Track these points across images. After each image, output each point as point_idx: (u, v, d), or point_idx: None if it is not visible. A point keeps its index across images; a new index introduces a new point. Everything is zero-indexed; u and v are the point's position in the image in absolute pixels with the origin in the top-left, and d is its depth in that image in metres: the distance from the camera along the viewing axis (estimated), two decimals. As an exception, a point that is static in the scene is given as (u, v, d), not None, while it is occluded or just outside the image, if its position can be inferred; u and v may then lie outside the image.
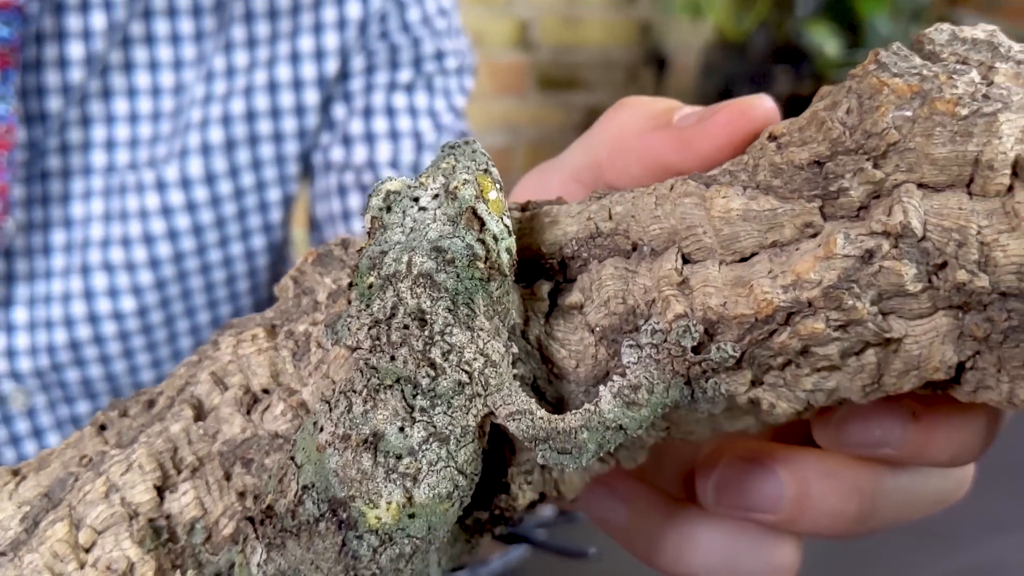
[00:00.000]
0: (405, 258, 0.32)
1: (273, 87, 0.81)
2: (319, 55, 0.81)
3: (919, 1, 2.41)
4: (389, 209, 0.33)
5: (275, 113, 0.81)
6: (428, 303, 0.31)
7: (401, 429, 0.32)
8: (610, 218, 0.35)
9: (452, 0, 0.88)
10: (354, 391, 0.32)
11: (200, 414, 0.37)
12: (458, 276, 0.32)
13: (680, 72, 2.77)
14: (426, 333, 0.32)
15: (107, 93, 0.78)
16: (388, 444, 0.32)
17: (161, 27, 0.78)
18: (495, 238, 0.32)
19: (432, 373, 0.32)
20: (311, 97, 0.81)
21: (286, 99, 0.81)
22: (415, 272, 0.31)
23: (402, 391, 0.32)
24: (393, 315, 0.32)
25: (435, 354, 0.32)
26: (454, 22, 0.88)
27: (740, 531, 0.40)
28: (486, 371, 0.32)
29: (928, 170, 0.30)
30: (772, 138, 0.34)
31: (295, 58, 0.81)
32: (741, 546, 0.40)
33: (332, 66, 0.81)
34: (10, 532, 0.36)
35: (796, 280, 0.31)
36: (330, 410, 0.33)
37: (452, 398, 0.32)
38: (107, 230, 0.79)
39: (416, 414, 0.32)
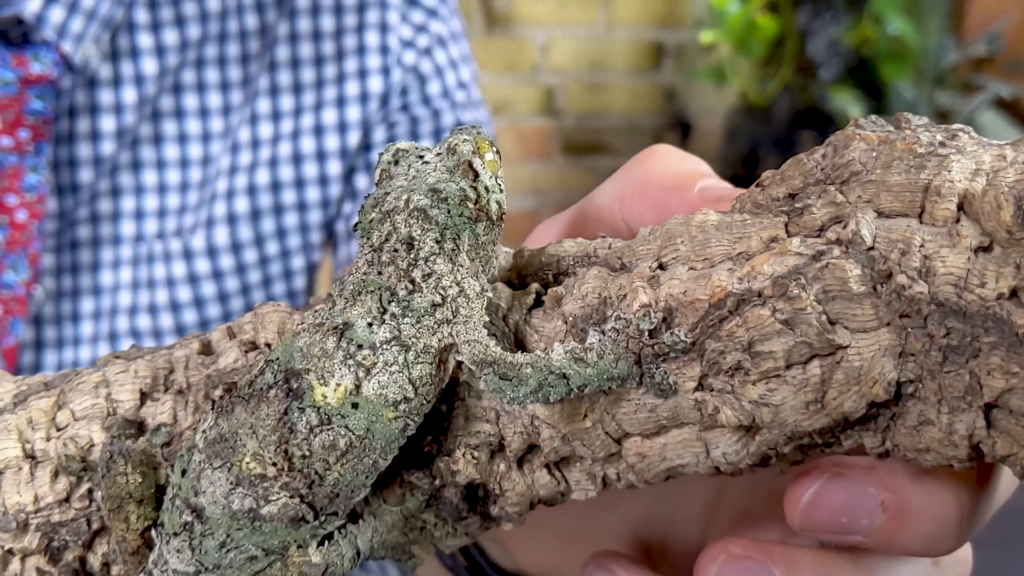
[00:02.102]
0: (404, 196, 0.35)
1: (297, 158, 0.83)
2: (342, 127, 0.83)
3: (942, 66, 2.43)
4: (396, 163, 0.37)
5: (299, 183, 0.83)
6: (418, 232, 0.35)
7: (370, 325, 0.34)
8: (609, 248, 0.38)
9: (471, 73, 0.90)
10: (340, 295, 0.35)
11: (207, 351, 0.40)
12: (449, 212, 0.35)
13: (704, 136, 2.80)
14: (412, 256, 0.35)
15: (137, 165, 0.81)
16: (354, 333, 0.34)
17: (190, 101, 0.81)
18: (487, 188, 0.36)
19: (410, 287, 0.35)
20: (334, 168, 0.83)
21: (310, 170, 0.83)
22: (411, 207, 0.35)
23: (380, 296, 0.35)
24: (387, 241, 0.35)
25: (416, 274, 0.35)
26: (473, 94, 0.90)
27: None
28: (459, 300, 0.35)
29: (885, 197, 0.33)
30: (759, 185, 0.37)
31: (319, 130, 0.83)
32: None
33: (354, 138, 0.83)
34: (0, 403, 0.39)
35: (750, 271, 0.34)
36: (314, 313, 0.36)
37: (423, 316, 0.35)
38: (135, 298, 0.81)
39: (387, 317, 0.35)
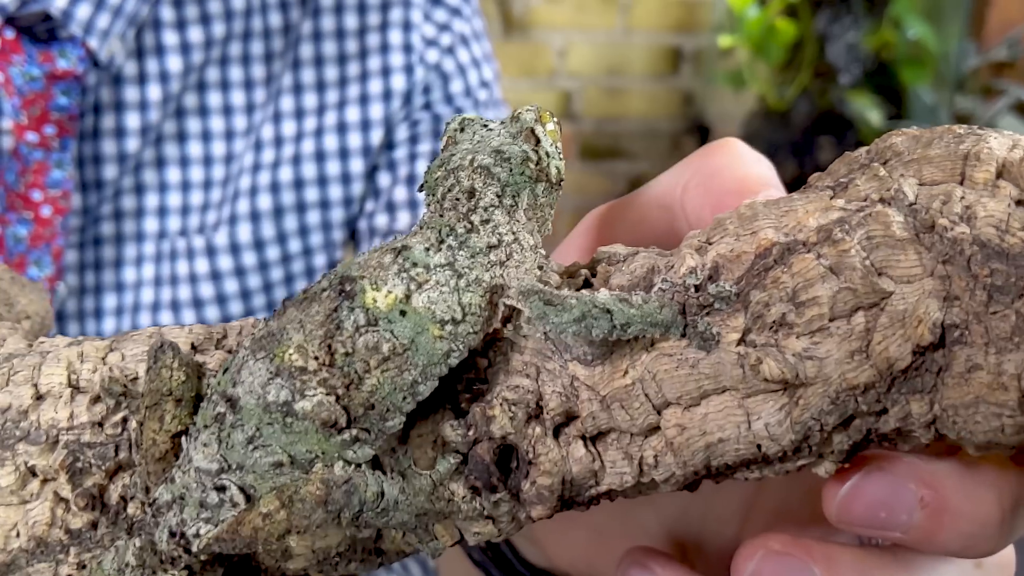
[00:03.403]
0: (469, 156, 0.37)
1: (320, 156, 0.83)
2: (365, 125, 0.83)
3: (962, 70, 2.42)
4: (462, 130, 0.39)
5: (322, 181, 0.83)
6: (480, 185, 0.37)
7: (427, 250, 0.36)
8: (666, 249, 0.39)
9: (493, 72, 0.90)
10: (403, 233, 0.37)
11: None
12: (511, 171, 0.37)
13: (723, 141, 2.79)
14: (472, 203, 0.37)
15: (160, 162, 0.81)
16: (411, 254, 0.35)
17: (214, 99, 0.81)
18: (547, 154, 0.38)
19: (468, 227, 0.36)
20: (357, 166, 0.83)
21: (332, 168, 0.83)
22: (475, 165, 0.37)
23: (439, 230, 0.36)
24: (449, 192, 0.37)
25: (475, 219, 0.37)
26: (495, 94, 0.90)
27: None
28: (513, 247, 0.37)
29: (926, 169, 0.34)
30: (807, 185, 0.38)
31: (342, 128, 0.83)
32: None
33: (377, 136, 0.83)
34: (54, 346, 0.40)
35: (796, 225, 0.35)
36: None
37: (477, 253, 0.36)
38: (157, 295, 0.81)
39: (443, 247, 0.36)
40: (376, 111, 0.83)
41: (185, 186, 0.82)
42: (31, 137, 0.73)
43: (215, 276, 0.82)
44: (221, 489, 0.34)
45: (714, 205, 0.41)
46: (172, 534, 0.34)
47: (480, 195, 0.37)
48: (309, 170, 0.83)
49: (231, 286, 0.83)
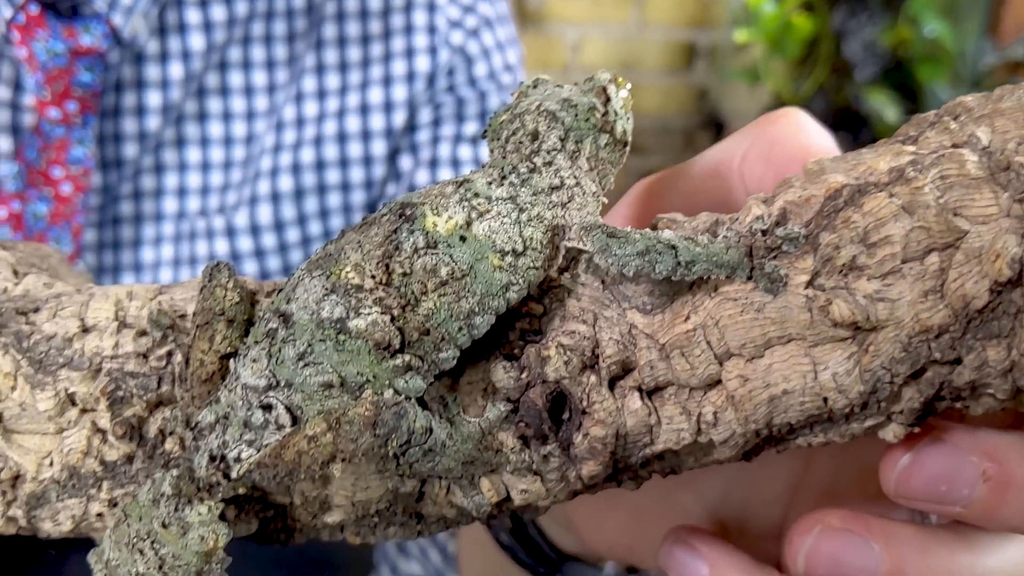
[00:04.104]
0: (536, 102, 0.38)
1: (342, 137, 0.82)
2: (387, 107, 0.82)
3: (979, 68, 2.40)
4: (535, 87, 0.39)
5: (343, 163, 0.83)
6: (544, 128, 0.37)
7: (489, 183, 0.36)
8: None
9: (517, 56, 0.89)
10: (467, 171, 0.36)
11: None
12: (576, 116, 0.37)
13: (737, 137, 2.78)
14: (535, 146, 0.37)
15: (181, 141, 0.80)
16: (473, 186, 0.35)
17: (235, 79, 0.80)
18: (615, 112, 0.38)
19: (531, 167, 0.36)
20: (379, 148, 0.83)
21: (354, 149, 0.82)
22: (540, 109, 0.37)
23: (502, 168, 0.36)
24: (513, 135, 0.37)
25: (538, 160, 0.36)
26: (519, 78, 0.89)
27: None
28: (574, 190, 0.36)
29: (998, 120, 0.33)
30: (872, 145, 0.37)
31: (364, 110, 0.82)
32: None
33: (400, 118, 0.82)
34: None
35: (867, 169, 0.34)
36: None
37: (539, 192, 0.36)
38: (176, 275, 0.81)
39: (505, 183, 0.36)
40: (399, 93, 0.82)
41: (205, 166, 0.81)
42: (53, 113, 0.72)
43: (234, 257, 0.81)
44: (267, 408, 0.33)
45: (775, 174, 0.40)
46: (212, 458, 0.33)
47: (543, 138, 0.37)
48: (331, 151, 0.82)
49: (250, 268, 0.82)
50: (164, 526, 0.33)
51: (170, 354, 0.37)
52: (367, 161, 0.83)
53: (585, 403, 0.35)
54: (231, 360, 0.35)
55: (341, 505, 0.36)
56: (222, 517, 0.34)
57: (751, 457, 0.37)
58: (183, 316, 0.38)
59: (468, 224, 0.34)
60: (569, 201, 0.36)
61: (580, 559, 0.58)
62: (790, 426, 0.35)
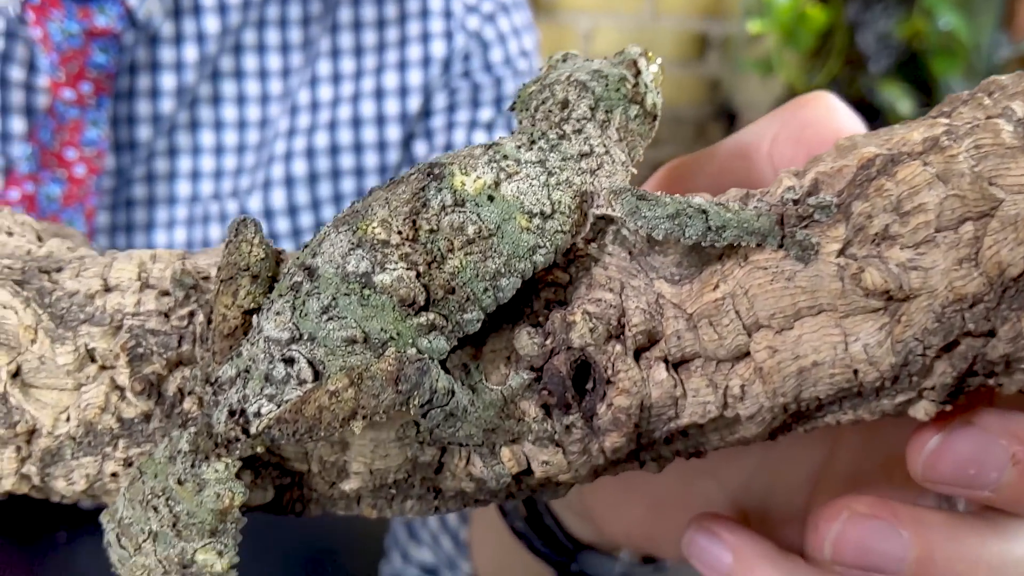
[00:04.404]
0: (566, 73, 0.37)
1: (357, 122, 0.82)
2: (403, 92, 0.82)
3: (994, 62, 2.39)
4: (564, 60, 0.39)
5: (358, 148, 0.82)
6: (574, 97, 0.37)
7: (518, 147, 0.35)
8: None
9: (533, 42, 0.88)
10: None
11: None
12: (606, 86, 0.37)
13: (749, 128, 2.77)
14: (564, 114, 0.36)
15: (195, 125, 0.80)
16: (502, 148, 0.35)
17: (250, 62, 0.80)
18: (646, 85, 0.38)
19: (560, 133, 0.36)
20: (393, 133, 0.82)
21: (369, 134, 0.82)
22: (570, 79, 0.37)
23: (531, 134, 0.36)
24: (542, 104, 0.37)
25: (567, 128, 0.36)
26: (535, 64, 0.88)
27: None
28: (604, 158, 0.36)
29: None
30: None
31: (379, 94, 0.82)
32: None
33: (415, 103, 0.82)
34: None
35: (900, 140, 0.34)
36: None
37: (568, 158, 0.36)
38: (189, 259, 0.81)
39: (535, 148, 0.35)
40: (415, 77, 0.82)
41: (219, 150, 0.81)
42: (67, 94, 0.72)
43: None
44: (289, 362, 0.33)
45: (806, 156, 0.39)
46: (231, 413, 0.33)
47: (573, 106, 0.36)
48: (345, 136, 0.82)
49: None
50: (180, 483, 0.33)
51: (192, 314, 0.37)
52: (381, 146, 0.82)
53: (610, 372, 0.34)
54: (254, 316, 0.35)
55: (359, 472, 0.35)
56: (239, 476, 0.33)
57: (777, 435, 0.36)
58: (206, 278, 0.37)
59: (496, 184, 0.34)
60: (598, 168, 0.36)
61: (595, 548, 0.57)
62: (819, 401, 0.34)
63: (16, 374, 0.36)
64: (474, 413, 0.34)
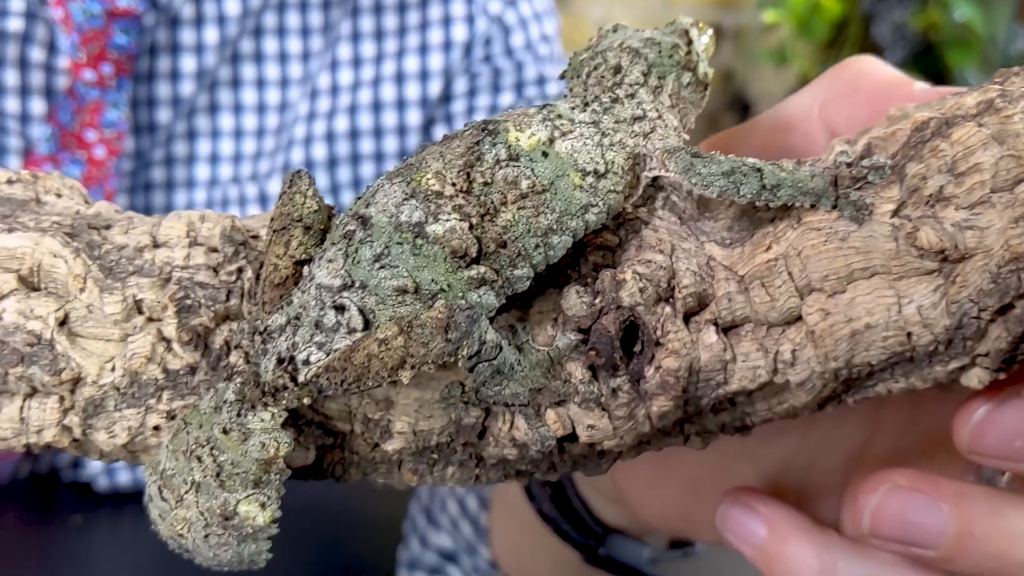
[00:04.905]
0: (619, 41, 0.38)
1: (377, 106, 0.81)
2: (423, 76, 0.81)
3: (1009, 53, 2.38)
4: (615, 31, 0.39)
5: (377, 132, 0.82)
6: (626, 63, 0.37)
7: (572, 108, 0.36)
8: None
9: (554, 27, 0.88)
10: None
11: None
12: (659, 53, 0.37)
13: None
14: (617, 79, 0.37)
15: (214, 108, 0.79)
16: (556, 108, 0.35)
17: (270, 45, 0.79)
18: (697, 54, 0.38)
19: (613, 97, 0.36)
20: (413, 118, 0.82)
21: (389, 119, 0.82)
22: (622, 46, 0.37)
23: (584, 98, 0.36)
24: (594, 70, 0.37)
25: (620, 92, 0.36)
26: (556, 50, 0.88)
27: (889, 566, 0.38)
28: (657, 123, 0.36)
29: None
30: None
31: (400, 78, 0.81)
32: None
33: (436, 87, 0.82)
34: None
35: (954, 104, 0.34)
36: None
37: (621, 121, 0.36)
38: (207, 242, 0.80)
39: (588, 110, 0.36)
40: (436, 62, 0.81)
41: (238, 133, 0.80)
42: (88, 75, 0.72)
43: None
44: (340, 309, 0.33)
45: (869, 106, 0.39)
46: (280, 360, 0.33)
47: (626, 72, 0.37)
48: (365, 120, 0.81)
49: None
50: (225, 432, 0.32)
51: (240, 270, 0.36)
52: (401, 131, 0.82)
53: (659, 333, 0.34)
54: (305, 267, 0.35)
55: (402, 432, 0.35)
56: (285, 427, 0.33)
57: (826, 405, 0.36)
58: (255, 237, 0.37)
59: (551, 141, 0.34)
60: (651, 132, 0.36)
61: (624, 533, 0.57)
62: (870, 367, 0.34)
63: (63, 322, 0.35)
64: (520, 372, 0.33)
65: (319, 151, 0.81)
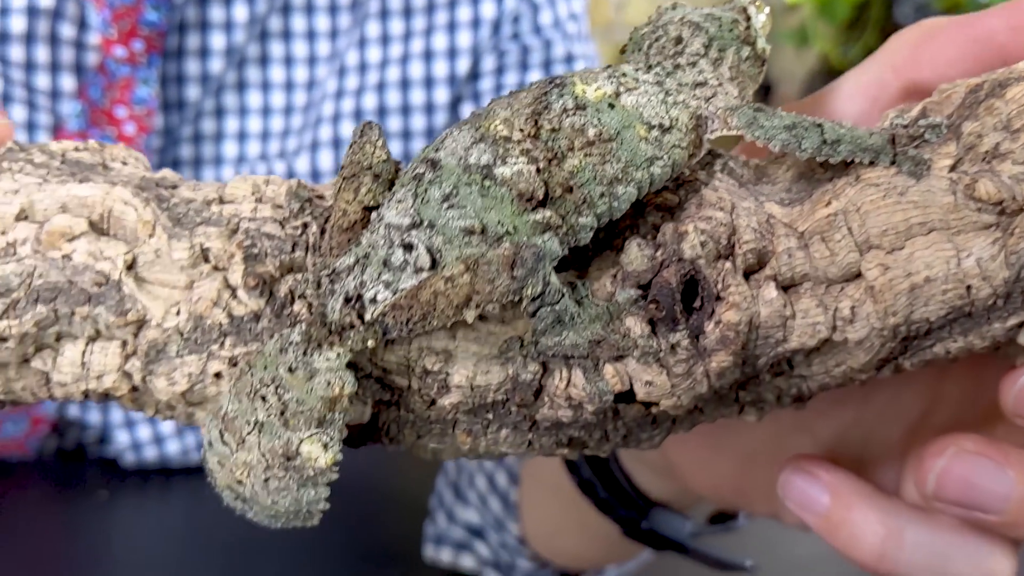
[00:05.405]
0: (679, 15, 0.38)
1: (405, 84, 0.81)
2: (452, 53, 0.81)
3: (1033, 35, 2.35)
4: (674, 8, 0.40)
5: (405, 110, 0.82)
6: (687, 35, 0.38)
7: (636, 69, 0.37)
8: None
9: (582, 7, 0.88)
10: None
11: None
12: (719, 27, 0.38)
13: (784, 100, 2.74)
14: (678, 49, 0.38)
15: (242, 85, 0.80)
16: (621, 68, 0.37)
17: (298, 23, 0.79)
18: (756, 31, 0.38)
19: (675, 64, 0.37)
20: (442, 95, 0.82)
21: (417, 96, 0.82)
22: (683, 19, 0.38)
23: (647, 61, 0.38)
24: (655, 42, 0.38)
25: (681, 61, 0.37)
26: (583, 28, 0.87)
27: (953, 531, 0.38)
28: (718, 90, 0.37)
29: None
30: None
31: (428, 56, 0.81)
32: (953, 547, 0.38)
33: (464, 65, 0.81)
34: None
35: (1006, 70, 0.34)
36: None
37: (684, 85, 0.37)
38: (236, 219, 0.80)
39: (652, 72, 0.37)
40: (464, 39, 0.81)
41: (266, 111, 0.81)
42: (119, 52, 0.72)
43: None
44: (408, 248, 0.33)
45: (960, 37, 0.38)
46: (347, 299, 0.33)
47: (687, 43, 0.37)
48: (393, 98, 0.81)
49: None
50: (290, 371, 0.33)
51: (305, 226, 0.37)
52: (429, 109, 0.82)
53: (719, 287, 0.35)
54: (373, 213, 0.35)
55: (460, 386, 0.35)
56: (350, 367, 0.33)
57: (882, 368, 0.36)
58: (320, 197, 0.38)
59: (617, 95, 0.35)
60: (712, 97, 0.37)
61: (665, 505, 0.57)
62: (929, 324, 0.34)
63: (131, 266, 0.36)
64: (581, 322, 0.34)
65: (347, 129, 0.81)
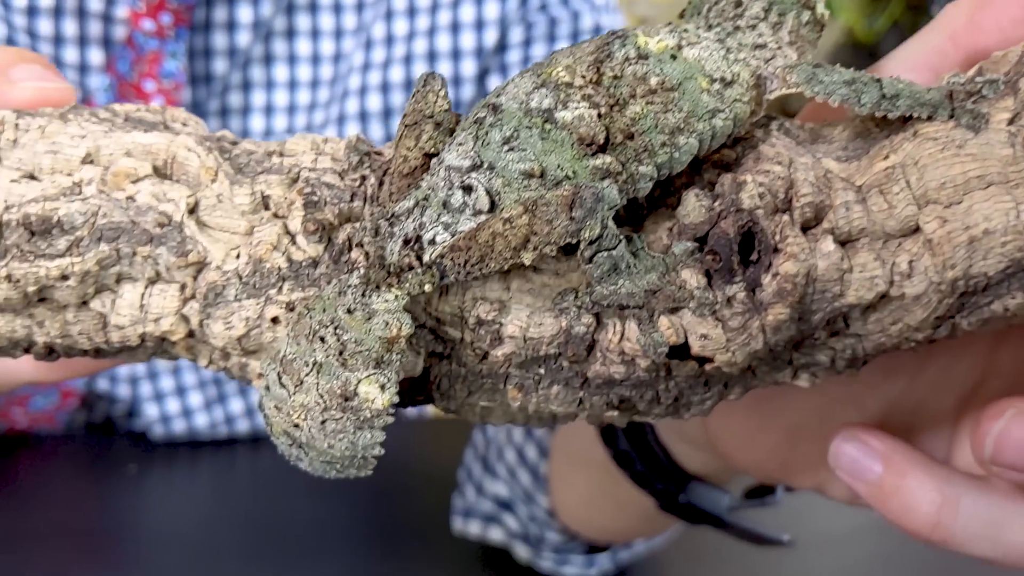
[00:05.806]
0: None
1: (432, 56, 0.81)
2: (479, 25, 0.81)
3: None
4: None
5: None
6: None
7: (697, 28, 0.37)
8: None
9: (609, -23, 0.87)
10: None
11: None
12: None
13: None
14: (738, 11, 0.37)
15: (269, 59, 0.79)
16: (683, 24, 0.37)
17: None
18: (813, 7, 0.38)
19: (735, 26, 0.37)
20: (469, 68, 0.81)
21: (444, 68, 0.81)
22: None
23: (707, 21, 0.38)
24: (716, 3, 0.38)
25: (741, 23, 0.37)
26: (611, -1, 0.87)
27: (1010, 500, 0.37)
28: (777, 52, 0.37)
29: None
30: None
31: (455, 28, 0.81)
32: (1009, 516, 0.37)
33: (491, 36, 0.81)
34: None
35: None
36: None
37: (744, 44, 0.37)
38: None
39: (712, 31, 0.37)
40: (492, 11, 0.81)
41: (293, 85, 0.80)
42: (147, 25, 0.72)
43: None
44: (468, 189, 0.34)
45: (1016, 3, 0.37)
46: (407, 241, 0.34)
47: (747, 6, 0.37)
48: (420, 70, 0.81)
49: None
50: (349, 312, 0.33)
51: (364, 178, 0.37)
52: (456, 81, 0.82)
53: (777, 238, 0.34)
54: (434, 159, 0.36)
55: (513, 337, 0.35)
56: (408, 310, 0.34)
57: (940, 326, 0.35)
58: (379, 153, 0.38)
59: (679, 47, 0.35)
60: (772, 59, 0.37)
61: (700, 478, 0.57)
62: (987, 280, 0.34)
63: (193, 210, 0.36)
64: (637, 271, 0.34)
65: (374, 102, 0.80)
